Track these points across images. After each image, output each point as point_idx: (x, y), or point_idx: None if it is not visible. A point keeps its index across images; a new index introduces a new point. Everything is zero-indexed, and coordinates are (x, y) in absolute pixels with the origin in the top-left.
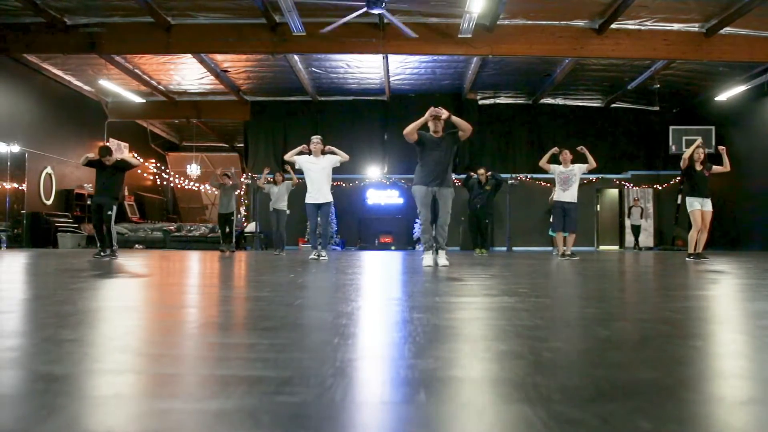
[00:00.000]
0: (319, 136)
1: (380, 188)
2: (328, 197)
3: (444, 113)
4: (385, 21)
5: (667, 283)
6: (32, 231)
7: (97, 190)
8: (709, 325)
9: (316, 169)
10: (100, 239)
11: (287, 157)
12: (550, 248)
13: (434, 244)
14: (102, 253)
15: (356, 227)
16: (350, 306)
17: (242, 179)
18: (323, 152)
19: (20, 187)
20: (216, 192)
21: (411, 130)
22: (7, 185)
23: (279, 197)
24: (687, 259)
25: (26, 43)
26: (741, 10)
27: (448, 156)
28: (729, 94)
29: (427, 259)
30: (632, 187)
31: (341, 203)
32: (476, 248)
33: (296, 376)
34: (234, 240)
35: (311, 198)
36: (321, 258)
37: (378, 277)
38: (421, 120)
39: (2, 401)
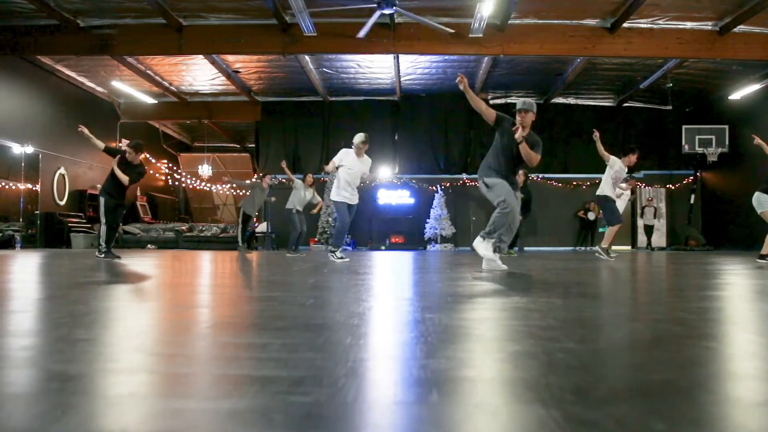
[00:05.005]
0: (361, 136)
1: (391, 188)
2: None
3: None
4: (396, 21)
5: (681, 284)
6: (46, 231)
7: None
8: (724, 326)
9: (359, 170)
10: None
11: (332, 167)
12: (564, 248)
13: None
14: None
15: (367, 227)
16: (362, 306)
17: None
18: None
19: (34, 188)
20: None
21: (479, 105)
22: (22, 186)
23: (306, 198)
24: (761, 261)
25: (40, 45)
26: (755, 7)
27: (519, 163)
28: (743, 92)
29: (498, 259)
30: (645, 186)
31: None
32: (509, 249)
33: (309, 376)
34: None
35: (349, 198)
36: (343, 259)
37: (389, 278)
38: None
39: (18, 400)
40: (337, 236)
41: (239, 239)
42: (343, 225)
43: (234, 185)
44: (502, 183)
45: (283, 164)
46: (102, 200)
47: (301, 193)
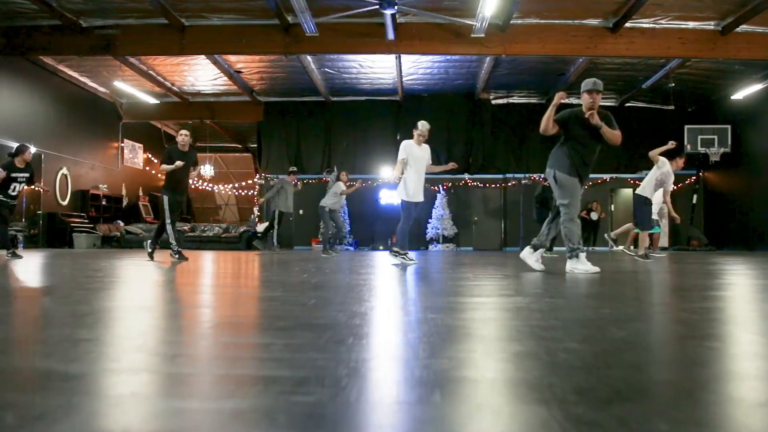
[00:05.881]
0: (426, 123)
1: (393, 188)
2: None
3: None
4: (398, 21)
5: (683, 284)
6: (48, 231)
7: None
8: (726, 326)
9: (424, 160)
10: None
11: (401, 169)
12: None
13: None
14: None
15: (369, 227)
16: (364, 306)
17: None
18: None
19: (36, 188)
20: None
21: (546, 124)
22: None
23: (342, 197)
24: None
25: (42, 45)
26: (758, 7)
27: (599, 143)
28: (745, 92)
29: (587, 262)
30: None
31: (354, 203)
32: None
33: (311, 376)
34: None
35: (416, 196)
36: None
37: (392, 278)
38: (552, 108)
39: (20, 400)
40: (401, 236)
41: (274, 240)
42: (407, 225)
43: (269, 180)
44: (574, 184)
45: (344, 174)
46: (165, 198)
47: (338, 192)
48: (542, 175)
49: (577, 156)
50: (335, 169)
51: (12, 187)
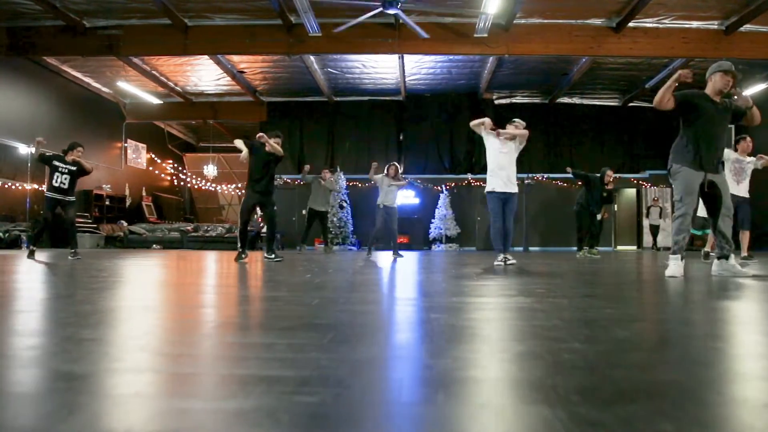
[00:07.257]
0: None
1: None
2: (515, 187)
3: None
4: (400, 21)
5: (687, 284)
6: (52, 231)
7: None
8: (730, 326)
9: (509, 149)
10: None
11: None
12: (569, 248)
13: (723, 249)
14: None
15: (372, 227)
16: (367, 306)
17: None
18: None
19: (40, 188)
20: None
21: (663, 95)
22: (28, 186)
23: (392, 190)
24: None
25: (46, 46)
26: (762, 6)
27: (726, 131)
28: (749, 92)
29: (675, 267)
30: (650, 186)
31: (357, 204)
32: (590, 249)
33: (314, 375)
34: (328, 239)
35: (502, 185)
36: (509, 262)
37: (394, 278)
38: (672, 81)
39: (24, 400)
40: (494, 236)
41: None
42: (496, 222)
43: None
44: (687, 180)
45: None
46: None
47: (386, 188)
48: (545, 175)
49: (702, 143)
50: (337, 169)
51: (55, 177)
